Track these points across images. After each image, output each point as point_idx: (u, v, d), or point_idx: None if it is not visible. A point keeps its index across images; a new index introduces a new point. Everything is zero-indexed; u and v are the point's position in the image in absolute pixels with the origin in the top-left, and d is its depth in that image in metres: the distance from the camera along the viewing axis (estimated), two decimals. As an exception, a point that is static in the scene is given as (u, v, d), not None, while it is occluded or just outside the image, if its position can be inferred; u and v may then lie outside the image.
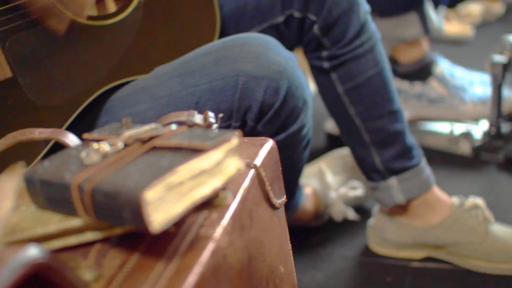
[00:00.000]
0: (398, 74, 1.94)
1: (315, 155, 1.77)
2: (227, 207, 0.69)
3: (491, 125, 1.80)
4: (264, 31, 1.27)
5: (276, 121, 1.07)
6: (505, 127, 1.84)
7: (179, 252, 0.63)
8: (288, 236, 0.88)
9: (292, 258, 0.90)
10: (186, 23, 1.22)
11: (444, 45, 2.63)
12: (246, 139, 0.84)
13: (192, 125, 0.78)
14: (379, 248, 1.45)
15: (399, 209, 1.41)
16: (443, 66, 1.94)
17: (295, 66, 1.08)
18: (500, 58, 1.74)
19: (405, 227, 1.40)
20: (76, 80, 1.12)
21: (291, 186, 1.32)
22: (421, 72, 1.92)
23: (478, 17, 2.81)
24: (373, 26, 1.31)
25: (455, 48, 2.65)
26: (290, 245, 0.89)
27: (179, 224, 0.67)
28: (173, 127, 0.72)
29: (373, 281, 1.36)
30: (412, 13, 1.87)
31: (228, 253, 0.67)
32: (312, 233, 1.53)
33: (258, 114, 1.05)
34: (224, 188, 0.67)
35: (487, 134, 1.82)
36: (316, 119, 1.85)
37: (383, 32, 1.90)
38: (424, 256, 1.42)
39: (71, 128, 1.05)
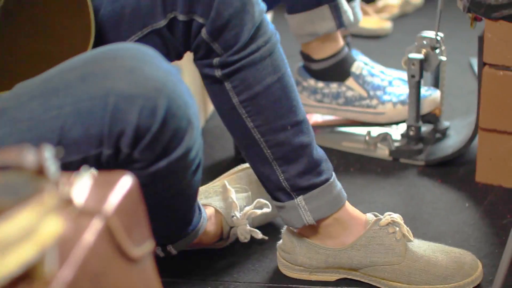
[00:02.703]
0: (313, 73, 1.79)
1: (222, 167, 1.62)
2: (52, 280, 0.53)
3: (409, 126, 1.68)
4: (146, 37, 1.12)
5: (156, 146, 0.93)
6: (425, 129, 1.73)
7: None
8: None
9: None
10: (55, 30, 1.08)
11: (362, 40, 2.53)
12: (98, 175, 0.68)
13: (19, 169, 0.62)
14: (289, 272, 1.31)
15: (309, 230, 1.27)
16: (362, 65, 1.79)
17: (177, 80, 0.93)
18: (416, 55, 1.62)
19: (317, 249, 1.26)
20: None
21: (184, 214, 1.18)
22: (338, 71, 1.78)
23: (397, 9, 2.71)
24: (271, 27, 1.17)
25: (373, 42, 2.55)
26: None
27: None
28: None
29: (283, 310, 1.23)
30: (324, 7, 1.72)
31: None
32: (216, 257, 1.38)
33: (133, 139, 0.91)
34: (46, 255, 0.52)
35: (406, 136, 1.70)
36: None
37: (293, 27, 1.76)
38: (339, 278, 1.29)
39: None
